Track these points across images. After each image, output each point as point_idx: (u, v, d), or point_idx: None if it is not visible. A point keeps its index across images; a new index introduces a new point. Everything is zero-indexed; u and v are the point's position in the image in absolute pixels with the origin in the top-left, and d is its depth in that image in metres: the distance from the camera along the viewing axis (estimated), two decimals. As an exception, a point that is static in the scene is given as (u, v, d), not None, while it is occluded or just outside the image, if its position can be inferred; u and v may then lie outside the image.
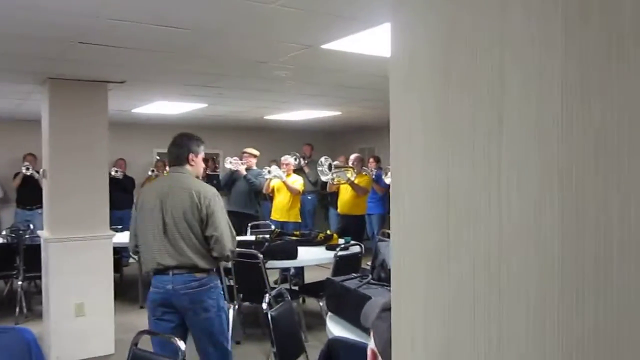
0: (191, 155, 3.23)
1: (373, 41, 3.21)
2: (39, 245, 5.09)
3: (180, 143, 3.25)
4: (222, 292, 3.29)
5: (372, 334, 1.20)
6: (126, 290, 6.48)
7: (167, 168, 8.58)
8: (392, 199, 0.90)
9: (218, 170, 9.61)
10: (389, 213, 8.16)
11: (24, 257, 5.70)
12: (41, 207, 7.70)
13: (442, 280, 0.82)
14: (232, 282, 4.68)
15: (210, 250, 3.10)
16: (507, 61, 0.75)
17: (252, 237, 5.45)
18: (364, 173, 7.23)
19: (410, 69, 0.89)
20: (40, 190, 7.38)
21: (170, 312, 3.12)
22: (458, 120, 0.80)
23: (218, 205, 3.14)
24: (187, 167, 3.22)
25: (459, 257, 0.80)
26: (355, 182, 6.90)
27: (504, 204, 0.73)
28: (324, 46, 3.35)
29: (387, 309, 1.21)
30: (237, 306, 4.75)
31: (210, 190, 3.18)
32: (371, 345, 1.21)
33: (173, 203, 3.07)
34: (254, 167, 7.06)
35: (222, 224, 3.11)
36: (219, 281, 3.27)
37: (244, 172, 6.85)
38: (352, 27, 2.95)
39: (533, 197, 0.69)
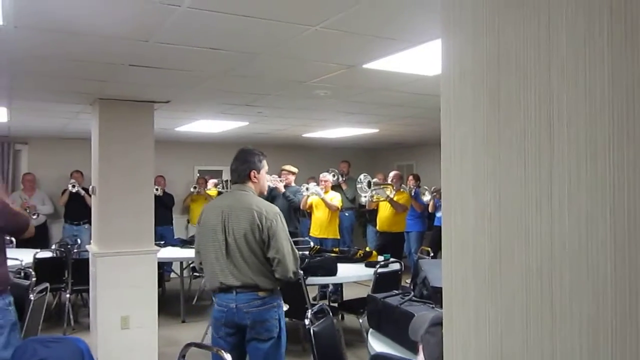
0: (253, 172, 3.16)
1: (414, 60, 3.24)
2: (86, 260, 5.26)
3: (242, 159, 3.18)
4: (284, 312, 3.18)
5: (420, 347, 1.22)
6: (168, 305, 6.61)
7: (208, 184, 8.75)
8: (444, 216, 0.92)
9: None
10: (427, 230, 8.10)
11: (72, 270, 5.89)
12: (88, 222, 7.99)
13: (494, 296, 0.84)
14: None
15: (273, 272, 3.03)
16: (555, 81, 0.77)
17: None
18: (402, 190, 7.21)
19: (460, 88, 0.92)
20: (86, 206, 7.67)
21: (232, 332, 3.06)
22: (509, 139, 0.82)
23: (280, 225, 3.05)
24: (250, 184, 3.17)
25: (510, 272, 0.83)
26: (395, 199, 6.89)
27: (555, 220, 0.75)
28: (365, 66, 3.40)
29: (436, 323, 1.23)
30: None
31: (272, 210, 3.08)
32: (420, 358, 1.23)
33: (234, 223, 3.01)
34: (293, 184, 7.14)
35: (285, 246, 3.02)
36: (282, 300, 3.17)
37: (283, 190, 6.93)
38: (393, 47, 2.99)
39: (584, 213, 0.71)
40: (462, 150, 0.90)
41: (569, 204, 0.72)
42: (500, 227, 0.83)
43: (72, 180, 7.84)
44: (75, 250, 6.54)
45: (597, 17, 0.69)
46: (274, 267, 3.02)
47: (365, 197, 7.05)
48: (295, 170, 7.21)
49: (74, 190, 7.75)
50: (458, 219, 0.90)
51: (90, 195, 7.51)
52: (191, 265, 7.05)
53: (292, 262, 3.05)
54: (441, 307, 0.96)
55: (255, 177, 3.18)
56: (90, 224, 7.92)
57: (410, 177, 8.03)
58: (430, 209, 7.79)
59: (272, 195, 7.00)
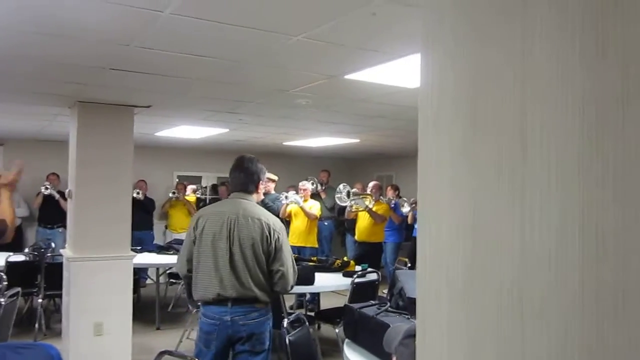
0: (260, 183, 3.15)
1: (396, 72, 3.27)
2: (60, 264, 5.17)
3: (250, 168, 3.12)
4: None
5: (394, 359, 1.23)
6: (143, 312, 6.52)
7: (187, 190, 8.68)
8: (419, 229, 0.94)
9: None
10: (404, 241, 8.14)
11: (45, 275, 5.79)
12: (62, 226, 7.86)
13: (467, 308, 0.86)
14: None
15: (273, 285, 3.01)
16: (529, 97, 0.79)
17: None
18: (381, 201, 7.25)
19: (439, 102, 0.94)
20: (61, 210, 7.55)
21: (226, 345, 2.99)
22: (484, 153, 0.84)
23: (286, 239, 3.06)
24: (254, 194, 3.14)
25: (483, 285, 0.84)
26: (374, 209, 6.92)
27: (527, 234, 0.76)
28: (347, 76, 3.43)
29: (410, 335, 1.24)
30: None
31: (279, 222, 3.09)
32: None
33: (242, 232, 2.94)
34: (272, 192, 7.13)
35: (288, 259, 3.03)
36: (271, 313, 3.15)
37: (262, 197, 6.90)
38: (374, 59, 3.02)
39: (555, 228, 0.73)
40: (438, 163, 0.91)
41: (540, 219, 0.73)
42: (474, 241, 0.84)
43: (46, 183, 7.71)
44: (48, 254, 6.43)
45: (570, 35, 0.71)
46: (275, 280, 2.99)
47: (344, 206, 7.07)
48: (275, 177, 7.21)
49: (46, 193, 7.63)
50: (433, 232, 0.92)
51: (65, 199, 7.43)
52: (167, 272, 6.97)
53: (293, 276, 3.05)
54: (416, 318, 0.97)
55: (259, 187, 3.17)
56: (65, 228, 7.82)
57: (389, 188, 8.06)
58: (409, 220, 7.83)
59: (251, 203, 6.97)
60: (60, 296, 5.30)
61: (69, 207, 4.77)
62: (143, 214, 8.00)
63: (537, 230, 0.74)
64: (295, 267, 3.11)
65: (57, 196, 7.62)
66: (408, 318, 2.83)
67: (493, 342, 0.82)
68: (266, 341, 3.04)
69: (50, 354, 2.33)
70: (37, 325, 5.68)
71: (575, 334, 0.70)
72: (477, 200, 0.84)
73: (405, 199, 7.84)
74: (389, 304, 3.14)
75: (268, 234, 2.96)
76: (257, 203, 3.18)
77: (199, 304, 3.12)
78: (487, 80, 0.87)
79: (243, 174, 3.11)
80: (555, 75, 0.74)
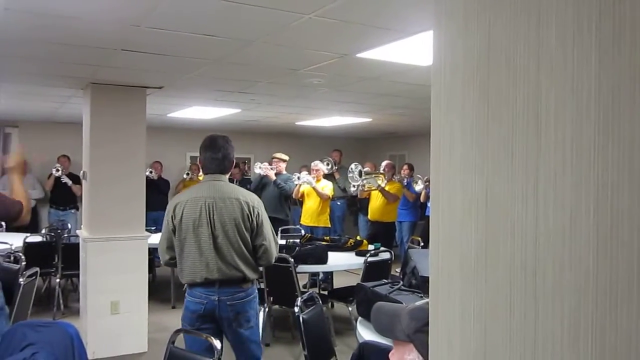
0: (234, 163, 3.16)
1: (408, 50, 3.24)
2: (76, 244, 5.25)
3: (225, 148, 3.07)
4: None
5: (414, 346, 1.20)
6: (159, 291, 6.62)
7: (200, 173, 8.75)
8: (432, 208, 0.93)
9: (249, 175, 9.74)
10: (419, 220, 8.14)
11: (62, 255, 5.88)
12: (74, 207, 7.96)
13: (479, 288, 0.86)
14: (262, 286, 4.74)
15: (257, 260, 3.05)
16: (543, 78, 0.78)
17: (283, 241, 5.52)
18: (395, 180, 7.23)
19: (451, 81, 0.93)
20: (72, 191, 7.64)
21: (209, 322, 3.03)
22: (497, 133, 0.83)
23: (264, 213, 3.09)
24: (227, 174, 3.13)
25: (495, 265, 0.84)
26: (386, 189, 6.92)
27: (540, 214, 0.76)
28: (359, 55, 3.40)
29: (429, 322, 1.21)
30: (267, 309, 4.81)
31: (256, 198, 3.12)
32: (409, 357, 1.22)
33: (223, 214, 2.95)
34: (284, 172, 7.14)
35: (269, 232, 3.08)
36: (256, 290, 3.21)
37: (274, 177, 6.93)
38: (386, 37, 2.99)
39: (569, 208, 0.72)
40: (451, 143, 0.91)
41: (554, 200, 0.73)
42: (487, 221, 0.84)
43: (57, 165, 7.77)
44: (65, 235, 6.52)
45: (586, 15, 0.70)
46: (259, 255, 3.04)
47: (354, 186, 7.06)
48: (286, 157, 7.21)
49: (57, 175, 7.70)
50: (445, 212, 0.91)
51: (75, 184, 7.51)
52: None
53: (275, 248, 3.11)
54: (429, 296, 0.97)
55: (232, 167, 3.17)
56: (77, 209, 7.92)
57: (405, 167, 8.04)
58: (422, 199, 7.81)
59: (262, 183, 7.00)
60: (77, 276, 5.39)
61: (84, 188, 4.82)
62: (158, 194, 8.05)
63: (551, 211, 0.74)
64: (276, 238, 3.18)
65: (69, 182, 7.69)
66: (421, 296, 2.84)
67: (506, 320, 0.82)
68: (252, 318, 3.09)
69: (68, 332, 2.38)
70: (55, 305, 5.79)
71: (589, 312, 0.70)
72: (490, 181, 0.84)
73: (419, 175, 7.82)
74: (401, 282, 3.16)
75: (249, 212, 2.99)
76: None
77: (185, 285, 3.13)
78: (500, 61, 0.86)
79: (218, 154, 3.05)
80: (571, 55, 0.73)
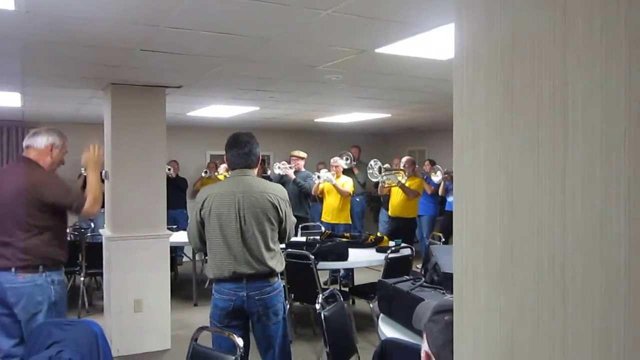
0: (260, 158, 3.20)
1: (427, 44, 3.20)
2: (100, 243, 5.32)
3: (250, 144, 3.11)
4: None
5: (424, 336, 1.21)
6: (181, 288, 6.68)
7: (219, 169, 8.79)
8: (455, 204, 0.91)
9: (269, 172, 9.77)
10: (439, 215, 8.07)
11: (86, 254, 5.97)
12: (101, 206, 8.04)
13: (506, 286, 0.84)
14: (283, 282, 4.75)
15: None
16: (570, 69, 0.75)
17: (303, 239, 5.52)
18: (416, 174, 7.19)
19: (473, 74, 0.90)
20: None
21: (238, 319, 3.07)
22: (522, 128, 0.81)
23: (288, 200, 3.19)
24: (255, 169, 3.17)
25: (522, 263, 0.82)
26: (406, 184, 6.87)
27: (568, 212, 0.73)
28: (378, 50, 3.37)
29: (439, 311, 1.22)
30: (288, 306, 4.81)
31: (282, 190, 3.19)
32: (425, 347, 1.22)
33: (252, 209, 2.99)
34: (303, 169, 7.14)
35: (291, 218, 3.19)
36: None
37: (293, 176, 6.94)
38: (406, 32, 2.96)
39: (598, 205, 0.70)
40: (474, 138, 0.88)
41: (583, 196, 0.71)
42: (513, 218, 0.82)
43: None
44: (89, 234, 6.60)
45: (615, 2, 0.67)
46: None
47: (375, 181, 7.04)
48: (304, 155, 7.20)
49: (86, 174, 7.81)
50: (470, 209, 0.89)
51: (102, 181, 7.58)
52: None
53: (292, 232, 3.25)
54: (452, 293, 0.95)
55: (259, 161, 3.21)
56: (103, 207, 7.99)
57: (427, 162, 7.99)
58: (440, 192, 7.75)
59: (282, 182, 7.00)
60: (101, 274, 5.46)
61: (106, 187, 4.88)
62: (176, 192, 8.11)
63: (580, 208, 0.71)
64: (293, 228, 3.28)
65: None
66: (443, 293, 2.81)
67: (534, 319, 0.80)
68: (280, 312, 3.13)
69: (93, 330, 2.41)
70: (79, 303, 5.88)
71: (621, 312, 0.67)
72: (516, 177, 0.82)
73: (438, 166, 7.75)
74: (423, 279, 3.13)
75: (277, 205, 3.06)
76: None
77: (213, 282, 3.16)
78: (524, 52, 0.83)
79: (244, 148, 3.10)
80: (599, 45, 0.70)
